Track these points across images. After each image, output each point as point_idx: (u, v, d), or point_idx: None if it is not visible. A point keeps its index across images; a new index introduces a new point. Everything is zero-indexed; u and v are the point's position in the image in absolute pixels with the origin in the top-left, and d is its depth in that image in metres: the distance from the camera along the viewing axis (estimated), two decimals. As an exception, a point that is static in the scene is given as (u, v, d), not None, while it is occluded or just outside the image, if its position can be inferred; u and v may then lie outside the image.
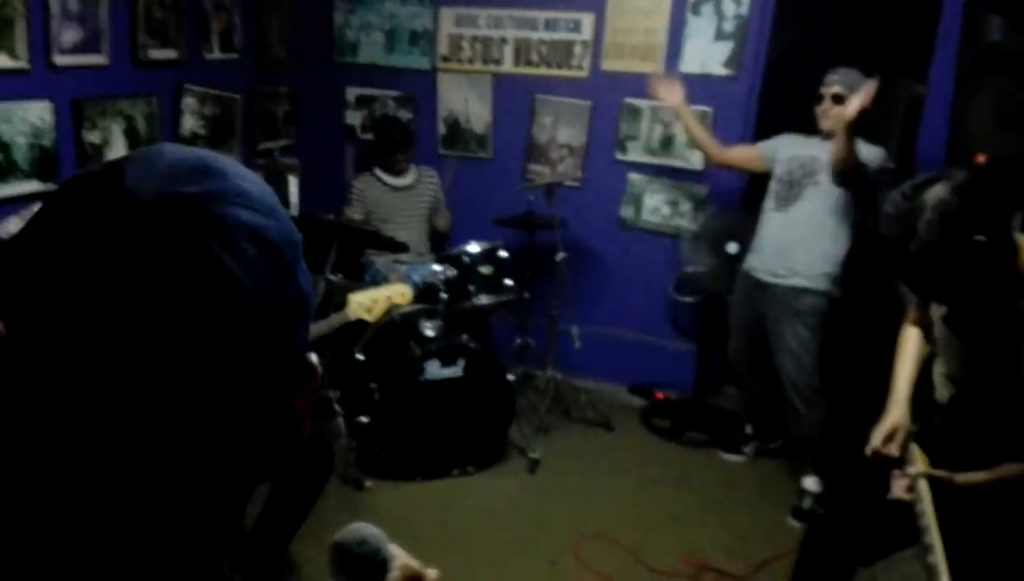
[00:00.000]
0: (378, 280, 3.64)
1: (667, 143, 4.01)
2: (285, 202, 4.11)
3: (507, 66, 4.20)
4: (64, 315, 0.46)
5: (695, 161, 3.96)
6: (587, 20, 4.02)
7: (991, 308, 1.67)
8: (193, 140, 3.78)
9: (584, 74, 4.08)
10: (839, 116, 2.90)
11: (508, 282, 3.62)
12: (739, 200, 3.90)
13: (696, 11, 3.84)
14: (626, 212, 4.14)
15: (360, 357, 3.45)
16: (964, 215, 1.54)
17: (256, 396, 0.52)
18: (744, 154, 3.48)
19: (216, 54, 3.87)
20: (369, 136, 4.36)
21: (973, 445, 1.77)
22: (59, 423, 0.48)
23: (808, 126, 3.23)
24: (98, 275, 0.46)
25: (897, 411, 1.92)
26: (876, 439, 1.88)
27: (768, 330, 3.28)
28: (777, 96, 3.78)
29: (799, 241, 3.16)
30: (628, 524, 3.15)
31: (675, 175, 4.02)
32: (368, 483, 3.26)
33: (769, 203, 3.29)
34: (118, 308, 0.46)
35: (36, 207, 0.51)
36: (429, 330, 3.44)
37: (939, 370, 1.91)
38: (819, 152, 3.15)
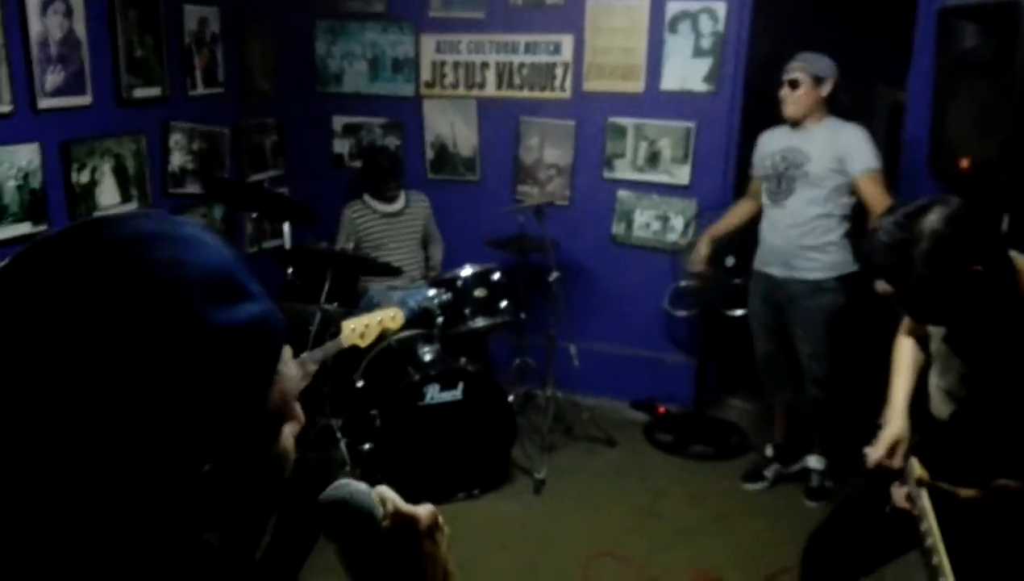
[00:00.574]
0: (372, 307, 3.63)
1: (653, 159, 4.05)
2: (279, 236, 4.11)
3: (490, 90, 4.23)
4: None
5: (682, 176, 4.00)
6: (567, 42, 4.07)
7: (993, 331, 1.69)
8: (182, 175, 3.77)
9: (567, 95, 4.12)
10: (797, 101, 3.13)
11: (503, 304, 3.62)
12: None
13: (673, 29, 3.90)
14: (617, 229, 4.17)
15: (360, 384, 3.43)
16: (960, 246, 1.55)
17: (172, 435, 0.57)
18: (754, 187, 3.47)
19: (200, 89, 3.88)
20: (357, 164, 4.37)
21: (975, 462, 1.77)
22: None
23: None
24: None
25: (897, 423, 1.92)
26: (878, 451, 1.89)
27: (787, 321, 3.30)
28: (758, 109, 3.83)
29: (802, 232, 3.19)
30: (636, 541, 3.14)
31: (663, 191, 4.06)
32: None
33: (765, 201, 3.33)
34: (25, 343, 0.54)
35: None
36: (427, 355, 3.43)
37: (936, 383, 1.92)
38: (798, 142, 3.20)
